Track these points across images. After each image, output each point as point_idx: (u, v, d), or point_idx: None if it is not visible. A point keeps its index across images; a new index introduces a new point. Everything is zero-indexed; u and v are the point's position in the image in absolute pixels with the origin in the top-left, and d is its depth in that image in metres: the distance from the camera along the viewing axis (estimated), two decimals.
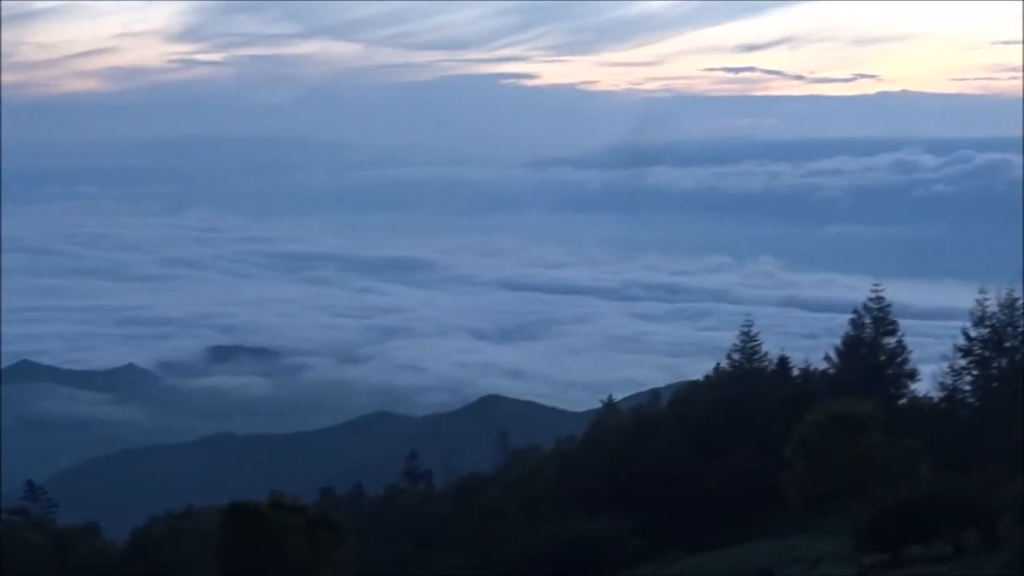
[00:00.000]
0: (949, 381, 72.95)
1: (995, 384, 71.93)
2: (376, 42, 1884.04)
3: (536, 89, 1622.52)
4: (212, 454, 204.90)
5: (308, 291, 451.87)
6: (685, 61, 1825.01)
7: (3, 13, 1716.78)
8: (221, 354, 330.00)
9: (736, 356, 77.99)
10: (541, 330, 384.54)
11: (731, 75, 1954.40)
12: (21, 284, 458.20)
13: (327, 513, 51.25)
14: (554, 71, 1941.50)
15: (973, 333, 72.16)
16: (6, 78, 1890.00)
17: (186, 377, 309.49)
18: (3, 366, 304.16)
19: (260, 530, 46.64)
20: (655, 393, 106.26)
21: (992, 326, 71.82)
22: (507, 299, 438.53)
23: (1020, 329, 72.00)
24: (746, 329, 77.67)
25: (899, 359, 74.66)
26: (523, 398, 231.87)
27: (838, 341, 77.50)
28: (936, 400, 73.49)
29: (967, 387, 73.10)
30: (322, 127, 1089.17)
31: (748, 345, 77.68)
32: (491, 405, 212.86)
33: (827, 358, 77.67)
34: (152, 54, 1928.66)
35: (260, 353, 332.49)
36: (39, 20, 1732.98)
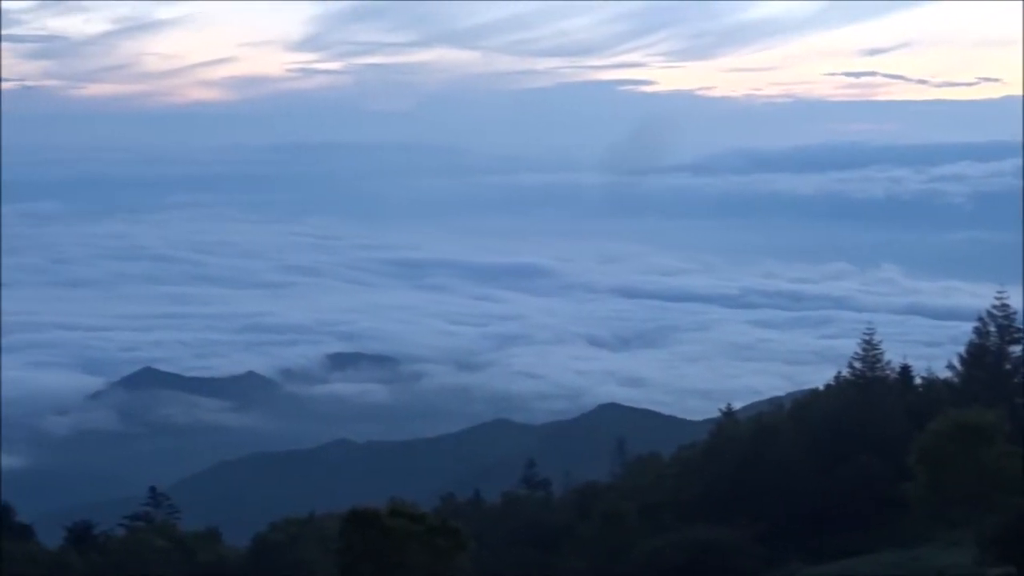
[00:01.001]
0: None
1: None
2: (495, 49, 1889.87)
3: (654, 95, 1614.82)
4: (332, 460, 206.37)
5: (426, 298, 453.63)
6: (806, 66, 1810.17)
7: (127, 24, 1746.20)
8: (341, 361, 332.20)
9: (858, 364, 77.18)
10: (659, 338, 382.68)
11: (852, 79, 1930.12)
12: (145, 292, 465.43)
13: (446, 520, 51.36)
14: (672, 77, 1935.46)
15: None
16: (131, 88, 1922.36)
17: (306, 384, 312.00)
18: (127, 373, 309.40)
19: (380, 536, 46.86)
20: (775, 401, 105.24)
21: None
22: (625, 306, 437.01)
23: None
24: (867, 337, 76.84)
25: None
26: (641, 406, 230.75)
27: (961, 350, 76.44)
28: None
29: None
30: (441, 134, 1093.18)
31: (870, 353, 76.82)
32: (609, 413, 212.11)
33: (950, 367, 76.64)
34: (272, 63, 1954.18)
35: (379, 360, 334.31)
36: (163, 31, 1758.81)
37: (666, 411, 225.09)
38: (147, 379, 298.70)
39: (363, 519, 47.67)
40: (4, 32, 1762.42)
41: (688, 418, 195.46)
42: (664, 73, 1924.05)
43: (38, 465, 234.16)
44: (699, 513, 70.91)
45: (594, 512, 75.83)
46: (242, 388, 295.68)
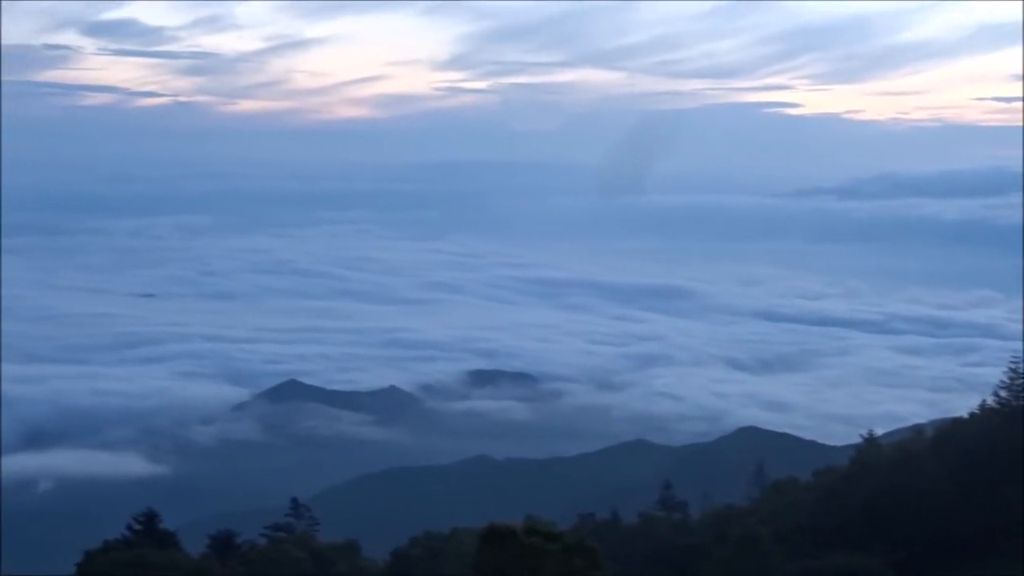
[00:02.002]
0: None
1: None
2: (640, 70, 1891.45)
3: (800, 118, 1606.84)
4: (470, 477, 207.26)
5: (567, 317, 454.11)
6: (954, 90, 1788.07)
7: (278, 42, 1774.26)
8: (481, 378, 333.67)
9: (1003, 393, 76.13)
10: (800, 362, 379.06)
11: (1002, 104, 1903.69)
12: (290, 305, 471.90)
13: (583, 539, 51.49)
14: (819, 100, 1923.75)
15: None
16: (281, 105, 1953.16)
17: (446, 400, 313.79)
18: (271, 385, 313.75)
19: (516, 554, 47.14)
20: (917, 428, 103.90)
21: None
22: (765, 329, 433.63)
23: None
24: (1014, 366, 75.80)
25: None
26: (780, 430, 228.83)
27: None
28: None
29: None
30: (585, 153, 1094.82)
31: (1016, 382, 75.74)
32: (748, 436, 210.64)
33: None
34: (419, 82, 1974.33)
35: (519, 378, 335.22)
36: (313, 49, 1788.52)
37: (806, 436, 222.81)
38: (290, 391, 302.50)
39: (500, 536, 48.00)
40: (160, 48, 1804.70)
41: (828, 443, 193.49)
42: (810, 96, 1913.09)
43: (183, 473, 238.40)
44: (837, 539, 70.40)
45: (731, 535, 75.58)
46: (383, 403, 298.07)
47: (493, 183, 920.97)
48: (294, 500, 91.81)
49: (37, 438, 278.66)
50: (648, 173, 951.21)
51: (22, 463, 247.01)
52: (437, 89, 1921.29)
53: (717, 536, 79.01)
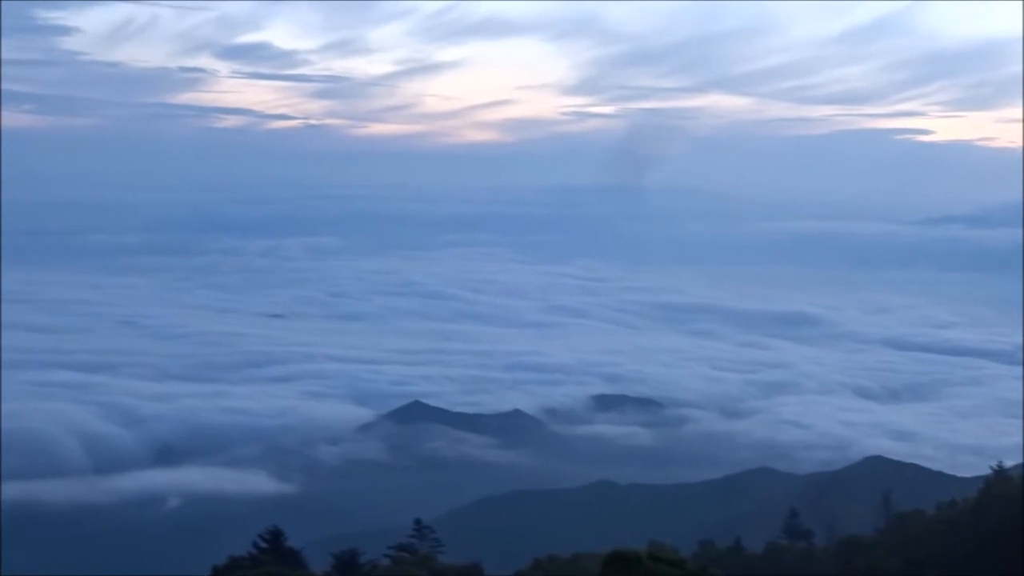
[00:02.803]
0: None
1: None
2: (770, 95, 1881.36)
3: (932, 144, 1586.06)
4: (594, 501, 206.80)
5: (691, 343, 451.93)
6: None
7: (409, 66, 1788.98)
8: (605, 403, 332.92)
9: None
10: (929, 391, 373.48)
11: None
12: (417, 327, 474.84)
13: (706, 566, 51.41)
14: (951, 126, 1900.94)
15: None
16: (411, 128, 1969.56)
17: (570, 424, 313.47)
18: (397, 406, 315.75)
19: None
20: None
21: None
22: (894, 358, 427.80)
23: None
24: None
25: None
26: (908, 460, 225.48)
27: None
28: None
29: None
30: (712, 179, 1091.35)
31: None
32: (874, 466, 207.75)
33: None
34: (547, 106, 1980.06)
35: (644, 403, 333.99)
36: (443, 73, 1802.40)
37: (934, 466, 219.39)
38: (416, 413, 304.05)
39: (624, 561, 48.02)
40: (292, 72, 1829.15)
41: (956, 474, 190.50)
42: (942, 123, 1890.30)
43: (309, 492, 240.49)
44: (964, 573, 69.31)
45: (857, 566, 74.80)
46: (507, 425, 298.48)
47: (619, 207, 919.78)
48: (417, 521, 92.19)
49: (167, 455, 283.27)
50: (779, 199, 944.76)
51: (152, 479, 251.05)
52: (564, 113, 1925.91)
53: (842, 566, 78.23)
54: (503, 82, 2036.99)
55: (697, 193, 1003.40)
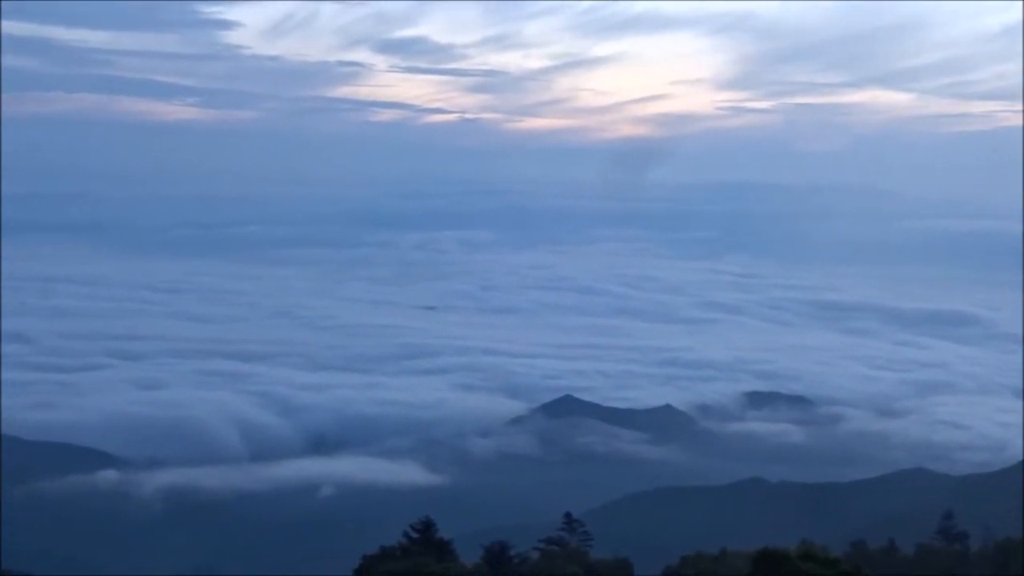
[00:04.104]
0: None
1: None
2: (930, 91, 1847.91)
3: None
4: (743, 499, 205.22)
5: (846, 341, 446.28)
6: None
7: (564, 61, 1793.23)
8: (757, 400, 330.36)
9: None
10: None
11: None
12: (569, 322, 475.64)
13: (859, 567, 50.82)
14: None
15: None
16: (565, 123, 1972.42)
17: (722, 421, 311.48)
18: (548, 400, 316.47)
19: None
20: None
21: None
22: None
23: None
24: None
25: None
26: None
27: None
28: None
29: None
30: (869, 176, 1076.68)
31: None
32: None
33: None
34: (702, 101, 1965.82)
35: (796, 401, 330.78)
36: (598, 68, 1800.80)
37: None
38: (567, 407, 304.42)
39: (774, 560, 47.74)
40: (449, 66, 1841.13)
41: None
42: None
43: (460, 484, 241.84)
44: None
45: (1012, 569, 73.45)
46: (658, 421, 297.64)
47: (775, 204, 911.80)
48: (567, 515, 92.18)
49: (321, 444, 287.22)
50: (939, 197, 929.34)
51: (306, 468, 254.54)
52: (720, 109, 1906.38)
53: (998, 570, 76.86)
54: (658, 77, 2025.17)
55: (854, 190, 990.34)
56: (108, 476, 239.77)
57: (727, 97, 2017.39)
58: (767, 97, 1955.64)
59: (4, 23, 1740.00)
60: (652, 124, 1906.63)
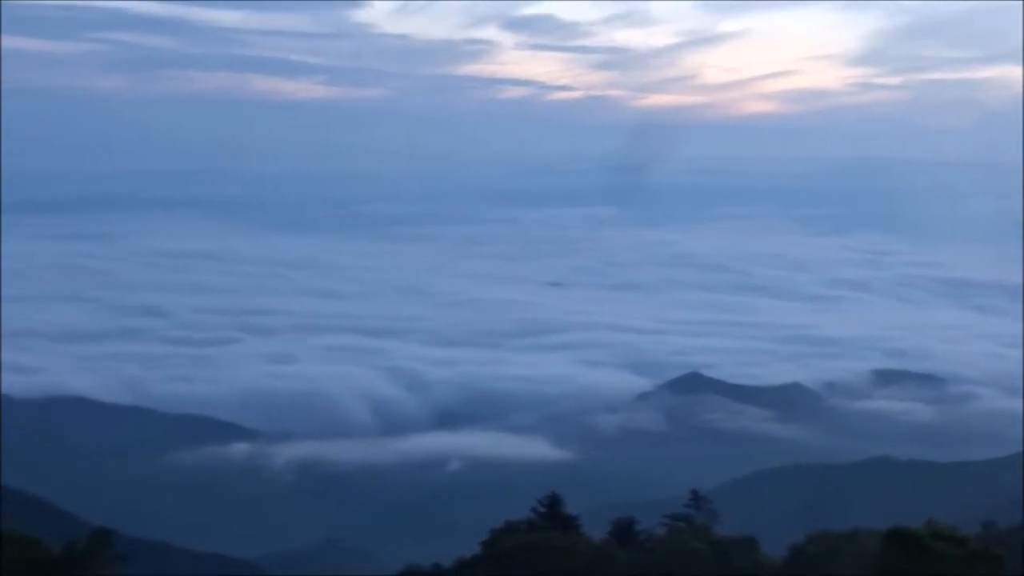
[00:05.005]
0: None
1: None
2: None
3: None
4: (871, 477, 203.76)
5: (977, 319, 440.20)
6: None
7: (691, 37, 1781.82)
8: (886, 378, 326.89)
9: None
10: None
11: None
12: (693, 299, 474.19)
13: (988, 546, 50.94)
14: None
15: None
16: (691, 99, 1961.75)
17: (849, 399, 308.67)
18: (674, 376, 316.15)
19: (920, 557, 47.00)
20: None
21: None
22: None
23: None
24: None
25: None
26: None
27: None
28: None
29: None
30: (999, 153, 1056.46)
31: None
32: None
33: None
34: (831, 77, 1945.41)
35: (925, 379, 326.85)
36: (725, 44, 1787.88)
37: None
38: (693, 384, 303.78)
39: (904, 539, 48.04)
40: (575, 43, 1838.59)
41: None
42: None
43: (586, 460, 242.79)
44: None
45: None
46: (785, 399, 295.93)
47: (904, 181, 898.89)
48: (694, 492, 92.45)
49: (448, 419, 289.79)
50: None
51: (433, 443, 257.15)
52: (849, 85, 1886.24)
53: None
54: (786, 53, 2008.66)
55: (984, 167, 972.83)
56: (241, 449, 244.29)
57: (856, 73, 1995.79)
58: (896, 73, 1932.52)
59: (143, 3, 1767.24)
60: (779, 101, 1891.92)
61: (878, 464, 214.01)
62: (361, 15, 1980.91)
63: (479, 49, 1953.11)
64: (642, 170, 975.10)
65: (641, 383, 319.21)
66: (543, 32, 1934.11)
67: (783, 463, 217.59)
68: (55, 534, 53.90)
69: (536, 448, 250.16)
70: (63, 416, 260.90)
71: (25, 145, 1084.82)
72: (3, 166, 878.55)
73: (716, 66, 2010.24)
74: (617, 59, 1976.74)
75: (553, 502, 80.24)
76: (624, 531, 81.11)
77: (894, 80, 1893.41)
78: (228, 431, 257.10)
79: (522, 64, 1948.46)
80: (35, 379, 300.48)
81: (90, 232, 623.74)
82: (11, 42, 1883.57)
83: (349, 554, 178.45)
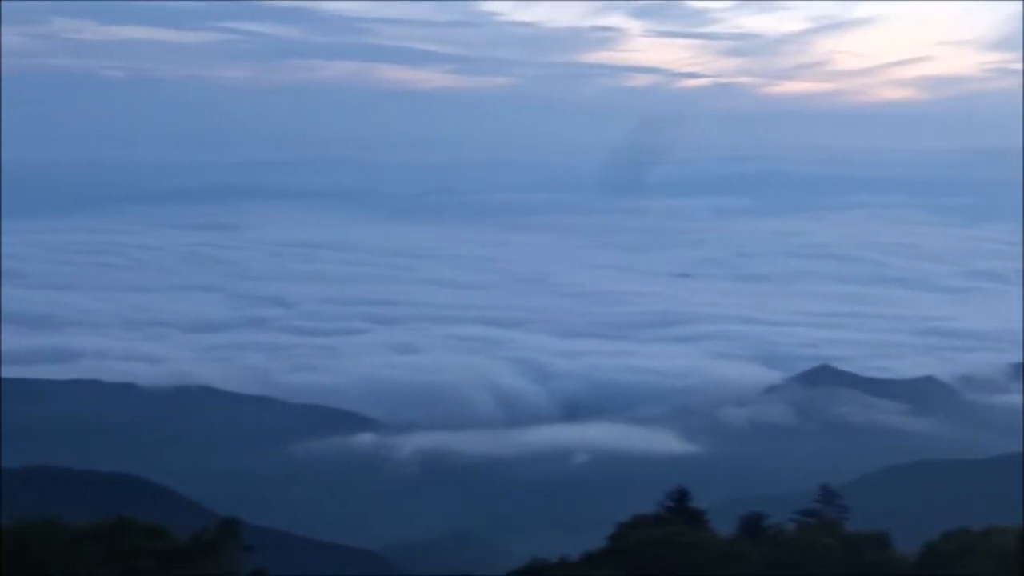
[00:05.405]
0: None
1: None
2: None
3: None
4: (1008, 474, 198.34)
5: None
6: None
7: (822, 23, 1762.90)
8: None
9: None
10: None
11: None
12: (824, 290, 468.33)
13: None
14: None
15: None
16: (822, 86, 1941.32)
17: (986, 392, 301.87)
18: (804, 369, 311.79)
19: None
20: None
21: None
22: None
23: None
24: None
25: None
26: None
27: None
28: None
29: None
30: None
31: None
32: None
33: None
34: (968, 63, 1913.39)
35: None
36: (858, 29, 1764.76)
37: None
38: (824, 376, 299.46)
39: None
40: (703, 30, 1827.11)
41: None
42: None
43: (714, 453, 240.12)
44: None
45: None
46: (918, 392, 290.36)
47: None
48: (824, 487, 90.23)
49: (574, 411, 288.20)
50: None
51: (560, 435, 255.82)
52: (986, 71, 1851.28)
53: None
54: (921, 38, 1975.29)
55: None
56: (365, 439, 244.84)
57: (994, 59, 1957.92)
58: None
59: None
60: (913, 87, 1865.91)
61: (1014, 460, 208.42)
62: (487, 4, 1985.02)
63: (606, 36, 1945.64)
64: (771, 159, 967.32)
65: (770, 376, 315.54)
66: (671, 18, 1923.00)
67: (916, 458, 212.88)
68: (180, 523, 52.93)
69: (663, 441, 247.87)
70: (190, 405, 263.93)
71: (154, 135, 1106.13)
72: (134, 157, 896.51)
73: (848, 52, 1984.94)
74: (747, 45, 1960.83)
75: (681, 496, 78.35)
76: (753, 526, 79.01)
77: None
78: (352, 421, 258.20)
79: (649, 51, 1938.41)
80: (163, 368, 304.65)
81: (216, 222, 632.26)
82: (140, 33, 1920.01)
83: (473, 546, 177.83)
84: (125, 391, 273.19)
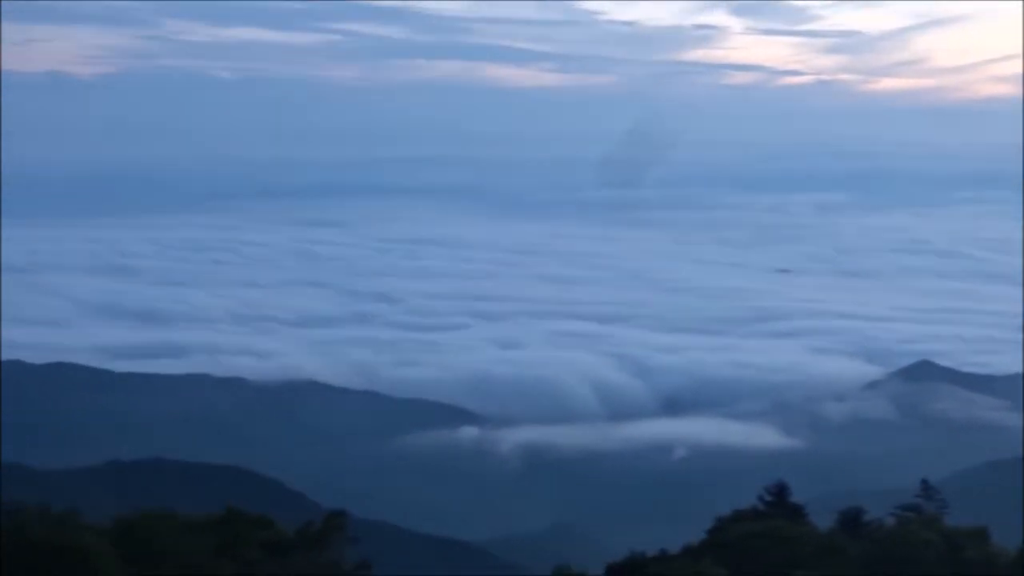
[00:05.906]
0: None
1: None
2: None
3: None
4: None
5: None
6: None
7: (922, 19, 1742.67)
8: None
9: None
10: None
11: None
12: (926, 286, 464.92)
13: None
14: None
15: None
16: (922, 83, 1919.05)
17: None
18: (904, 364, 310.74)
19: None
20: None
21: None
22: None
23: None
24: None
25: None
26: None
27: None
28: None
29: None
30: None
31: None
32: None
33: None
34: None
35: None
36: (958, 25, 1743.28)
37: None
38: (924, 372, 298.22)
39: None
40: (804, 27, 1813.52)
41: None
42: None
43: (813, 448, 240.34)
44: None
45: None
46: (1019, 388, 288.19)
47: None
48: (924, 481, 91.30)
49: (674, 405, 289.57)
50: None
51: (660, 429, 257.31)
52: None
53: None
54: (1016, 35, 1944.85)
55: None
56: (469, 433, 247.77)
57: None
58: None
59: None
60: (1013, 83, 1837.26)
61: None
62: (588, 3, 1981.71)
63: (707, 34, 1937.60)
64: (873, 155, 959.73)
65: (871, 371, 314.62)
66: (772, 16, 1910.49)
67: (1015, 454, 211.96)
68: (287, 515, 55.90)
69: (763, 436, 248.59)
70: (297, 399, 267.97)
71: (263, 134, 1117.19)
72: (244, 155, 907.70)
73: (948, 48, 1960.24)
74: (847, 43, 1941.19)
75: (780, 490, 79.94)
76: (852, 521, 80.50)
77: None
78: (456, 415, 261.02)
79: (751, 49, 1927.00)
80: (271, 363, 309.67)
81: (326, 219, 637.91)
82: (251, 34, 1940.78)
83: (575, 539, 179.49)
84: (235, 385, 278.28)
